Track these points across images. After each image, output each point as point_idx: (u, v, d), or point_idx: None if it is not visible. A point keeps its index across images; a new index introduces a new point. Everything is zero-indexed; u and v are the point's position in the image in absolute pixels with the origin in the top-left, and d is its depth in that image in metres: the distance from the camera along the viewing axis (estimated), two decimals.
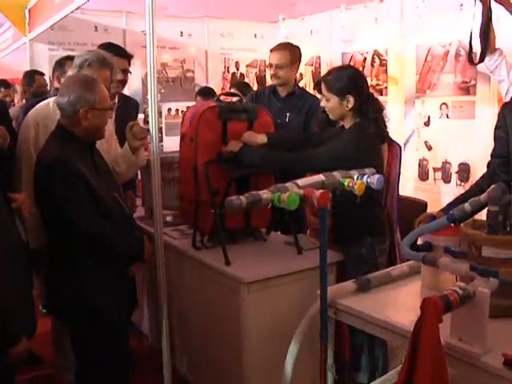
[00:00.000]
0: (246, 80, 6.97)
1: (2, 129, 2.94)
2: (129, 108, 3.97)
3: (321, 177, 2.20)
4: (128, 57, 3.81)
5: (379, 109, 2.93)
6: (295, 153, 2.97)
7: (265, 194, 2.00)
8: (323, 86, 2.94)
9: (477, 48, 3.25)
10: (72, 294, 2.56)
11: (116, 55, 3.64)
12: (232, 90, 4.89)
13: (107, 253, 2.58)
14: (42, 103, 3.16)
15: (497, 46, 3.36)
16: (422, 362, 1.55)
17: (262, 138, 3.05)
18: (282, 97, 4.02)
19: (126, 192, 3.62)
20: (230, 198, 2.02)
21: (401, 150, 3.44)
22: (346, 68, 3.19)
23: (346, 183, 2.20)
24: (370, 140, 2.85)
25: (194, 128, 3.01)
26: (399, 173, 3.45)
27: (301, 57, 4.07)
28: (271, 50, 4.05)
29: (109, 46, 3.72)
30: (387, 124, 3.02)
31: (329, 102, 2.91)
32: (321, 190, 1.94)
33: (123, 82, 3.80)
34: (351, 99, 2.84)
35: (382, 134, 2.95)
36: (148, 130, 2.99)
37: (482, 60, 3.24)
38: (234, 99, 3.21)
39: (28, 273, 2.24)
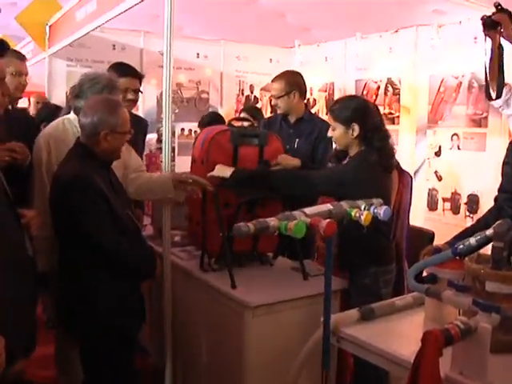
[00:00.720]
0: (260, 104, 7.03)
1: (22, 146, 2.99)
2: (139, 128, 4.01)
3: (328, 206, 2.22)
4: (139, 77, 3.86)
5: (385, 137, 2.94)
6: (296, 171, 3.00)
7: (272, 221, 2.02)
8: (329, 116, 2.99)
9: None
10: (84, 307, 2.61)
11: (128, 75, 3.71)
12: (242, 115, 4.89)
13: (121, 268, 2.65)
14: (54, 123, 3.20)
15: (507, 82, 3.38)
16: None
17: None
18: (291, 123, 4.04)
19: (136, 210, 3.67)
20: (239, 224, 2.05)
21: (412, 179, 3.46)
22: (352, 98, 3.22)
23: (353, 213, 2.21)
24: (373, 168, 2.86)
25: (205, 151, 3.05)
26: (410, 203, 3.46)
27: (301, 83, 4.04)
28: (271, 81, 4.11)
29: (121, 66, 3.79)
30: (396, 153, 3.04)
31: (335, 131, 2.96)
32: (328, 220, 1.96)
33: (134, 102, 3.85)
34: (356, 127, 2.88)
35: (388, 163, 2.96)
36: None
37: (499, 96, 3.26)
38: (246, 124, 3.25)
39: (32, 290, 2.24)
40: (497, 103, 3.44)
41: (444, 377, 1.69)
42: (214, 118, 5.09)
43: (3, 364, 1.68)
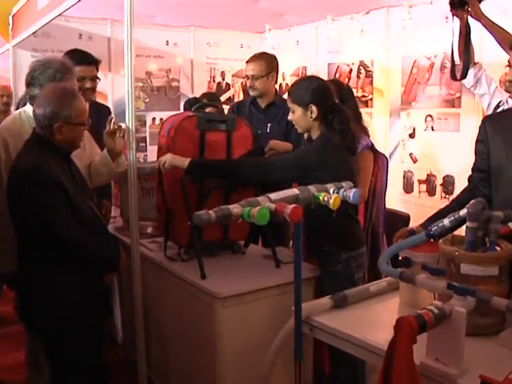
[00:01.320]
0: (232, 90, 6.95)
1: None
2: (101, 115, 3.88)
3: (295, 191, 2.13)
4: (96, 63, 3.73)
5: (345, 120, 2.85)
6: (256, 158, 2.93)
7: (235, 208, 1.93)
8: (288, 98, 2.90)
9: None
10: (44, 304, 2.53)
11: (83, 63, 3.57)
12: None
13: (82, 260, 2.57)
14: (10, 116, 3.09)
15: (478, 60, 3.34)
16: None
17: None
18: (262, 107, 3.96)
19: (100, 200, 3.56)
20: (199, 212, 1.95)
21: (387, 161, 3.40)
22: (309, 78, 3.13)
23: (321, 197, 2.13)
24: (336, 149, 2.79)
25: (170, 138, 2.95)
26: (386, 185, 3.40)
27: (278, 66, 4.00)
28: (247, 61, 4.00)
29: (75, 54, 3.64)
30: (370, 135, 2.97)
31: (294, 114, 2.87)
32: (293, 205, 1.88)
33: (94, 90, 3.71)
34: (314, 109, 2.79)
35: (350, 146, 2.88)
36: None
37: (464, 76, 3.22)
38: (213, 110, 3.16)
39: None
40: (468, 83, 3.40)
41: (419, 364, 1.64)
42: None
43: None
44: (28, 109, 2.97)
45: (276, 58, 4.03)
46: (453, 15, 3.20)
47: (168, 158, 2.85)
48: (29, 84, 2.90)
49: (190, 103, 5.07)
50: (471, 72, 3.30)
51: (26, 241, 2.58)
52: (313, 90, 2.83)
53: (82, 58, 3.62)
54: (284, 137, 3.78)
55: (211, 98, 5.02)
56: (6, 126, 3.00)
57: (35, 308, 2.58)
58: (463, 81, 3.34)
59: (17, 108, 4.36)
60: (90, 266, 2.60)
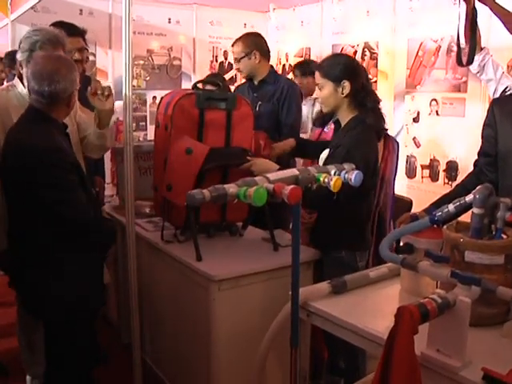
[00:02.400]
0: (234, 70, 6.85)
1: None
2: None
3: (294, 171, 2.05)
4: (81, 34, 3.63)
5: (377, 99, 2.80)
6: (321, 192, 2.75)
7: (231, 187, 1.85)
8: (317, 74, 2.80)
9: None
10: (40, 287, 2.46)
11: (68, 35, 3.47)
12: None
13: (94, 239, 2.54)
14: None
15: (485, 45, 3.26)
16: (396, 375, 1.43)
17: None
18: (255, 86, 3.90)
19: (94, 177, 3.50)
20: (192, 192, 1.87)
21: (398, 145, 3.30)
22: (341, 55, 3.06)
23: (321, 178, 2.05)
24: (371, 131, 2.72)
25: (169, 116, 2.86)
26: (396, 170, 3.31)
27: (261, 43, 3.89)
28: (231, 45, 3.97)
29: (60, 25, 3.53)
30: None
31: (323, 90, 2.76)
32: (292, 186, 1.80)
33: (82, 62, 3.59)
34: (347, 85, 2.70)
35: (380, 128, 2.81)
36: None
37: (470, 62, 3.14)
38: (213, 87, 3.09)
39: None
40: (474, 68, 3.34)
41: (420, 355, 1.58)
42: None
43: None
44: (16, 83, 2.89)
45: (260, 35, 3.96)
46: None
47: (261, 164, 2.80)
48: (18, 49, 2.82)
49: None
50: (477, 57, 3.23)
51: (26, 222, 2.48)
52: (345, 65, 2.75)
53: (67, 29, 3.51)
54: (274, 115, 3.73)
55: (217, 79, 4.98)
56: None
57: (31, 291, 2.51)
58: (469, 66, 3.27)
59: None
60: (90, 244, 2.53)
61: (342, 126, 2.82)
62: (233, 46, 3.92)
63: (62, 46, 2.85)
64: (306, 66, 4.93)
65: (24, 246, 2.51)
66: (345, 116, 2.79)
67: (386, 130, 3.00)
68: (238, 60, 3.83)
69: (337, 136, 2.87)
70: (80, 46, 3.56)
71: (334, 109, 2.81)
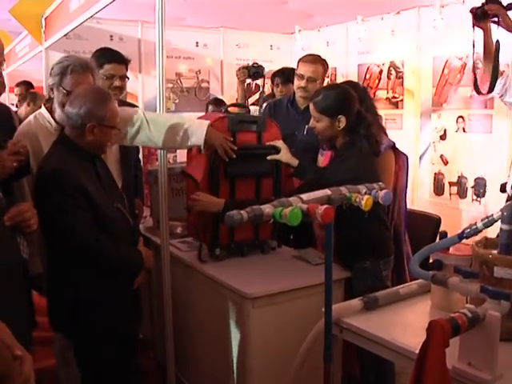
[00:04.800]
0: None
1: (25, 146, 2.83)
2: None
3: (327, 191, 2.12)
4: (125, 62, 3.73)
5: (369, 125, 2.84)
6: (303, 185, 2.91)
7: (267, 208, 1.92)
8: (312, 107, 2.88)
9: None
10: (67, 307, 2.52)
11: (113, 61, 3.60)
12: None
13: (102, 266, 2.52)
14: (27, 121, 3.05)
15: (503, 69, 3.31)
16: None
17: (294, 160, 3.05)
18: (301, 109, 3.91)
19: (133, 200, 3.57)
20: (231, 212, 1.94)
21: (407, 160, 3.37)
22: (334, 87, 3.10)
23: (353, 198, 2.12)
24: (365, 155, 2.79)
25: None
26: (406, 184, 3.38)
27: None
28: (303, 61, 3.88)
29: (105, 52, 3.67)
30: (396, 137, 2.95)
31: (320, 123, 2.85)
32: (325, 206, 1.87)
33: (121, 89, 3.69)
34: (343, 119, 2.77)
35: (376, 149, 2.88)
36: None
37: (491, 90, 3.18)
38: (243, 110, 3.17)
39: (22, 292, 2.14)
40: (496, 92, 3.36)
41: (451, 368, 1.62)
42: (221, 101, 5.29)
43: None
44: (43, 111, 2.99)
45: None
46: (474, 26, 3.16)
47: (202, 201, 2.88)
48: (49, 75, 2.91)
49: (216, 102, 5.19)
50: (499, 81, 3.27)
51: (51, 246, 2.58)
52: (341, 100, 2.82)
53: (112, 55, 3.64)
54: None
55: (217, 102, 5.22)
56: (21, 130, 2.99)
57: (58, 312, 2.58)
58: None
59: None
60: (111, 272, 2.55)
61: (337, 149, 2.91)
62: (307, 63, 3.84)
63: (91, 72, 2.91)
64: (287, 74, 4.85)
65: (48, 265, 2.61)
66: (340, 142, 2.88)
67: (392, 144, 3.17)
68: (311, 80, 3.79)
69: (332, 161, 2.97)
70: (123, 74, 3.66)
71: (331, 139, 2.90)
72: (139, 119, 2.94)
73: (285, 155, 3.04)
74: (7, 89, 6.64)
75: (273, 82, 5.11)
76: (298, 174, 3.06)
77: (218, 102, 5.23)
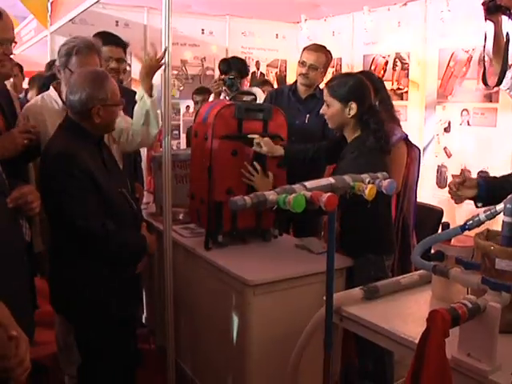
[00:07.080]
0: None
1: (34, 125, 2.85)
2: (128, 101, 3.88)
3: (330, 180, 2.12)
4: (123, 45, 3.75)
5: (381, 121, 2.82)
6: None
7: (271, 195, 1.93)
8: (325, 91, 2.85)
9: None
10: (71, 291, 2.54)
11: (110, 43, 3.60)
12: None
13: (106, 251, 2.53)
14: (34, 99, 3.13)
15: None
16: (427, 378, 1.48)
17: (279, 150, 3.04)
18: (302, 98, 3.94)
19: (133, 184, 3.59)
20: (235, 198, 1.95)
21: (420, 153, 3.37)
22: (351, 75, 3.09)
23: (356, 187, 2.12)
24: (371, 153, 2.74)
25: (209, 125, 2.96)
26: (418, 177, 3.37)
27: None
28: (307, 49, 3.92)
29: (103, 35, 3.66)
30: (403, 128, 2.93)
31: (330, 108, 2.82)
32: (328, 193, 1.87)
33: (117, 71, 3.69)
34: (354, 106, 2.75)
35: (384, 147, 2.82)
36: None
37: (499, 83, 3.17)
38: (249, 98, 3.17)
39: (28, 277, 2.15)
40: (503, 86, 3.35)
41: (451, 358, 1.62)
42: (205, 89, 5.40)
43: (29, 367, 1.50)
44: (51, 92, 3.03)
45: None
46: (486, 19, 3.15)
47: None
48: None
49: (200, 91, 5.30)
50: (507, 74, 3.25)
51: (55, 229, 2.59)
52: (355, 87, 2.79)
53: (108, 38, 3.65)
54: (321, 129, 3.76)
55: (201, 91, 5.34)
56: (28, 106, 3.07)
57: (64, 297, 2.60)
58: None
59: None
60: (116, 257, 2.57)
61: (348, 143, 2.88)
62: (311, 51, 3.88)
63: (97, 53, 2.95)
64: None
65: (52, 248, 2.64)
66: (349, 134, 2.86)
67: (405, 136, 3.16)
68: (313, 67, 3.82)
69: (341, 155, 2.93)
70: (119, 56, 3.69)
71: (340, 126, 2.87)
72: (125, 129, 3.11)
73: (265, 146, 2.99)
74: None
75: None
76: (285, 163, 3.09)
77: (202, 91, 5.32)
